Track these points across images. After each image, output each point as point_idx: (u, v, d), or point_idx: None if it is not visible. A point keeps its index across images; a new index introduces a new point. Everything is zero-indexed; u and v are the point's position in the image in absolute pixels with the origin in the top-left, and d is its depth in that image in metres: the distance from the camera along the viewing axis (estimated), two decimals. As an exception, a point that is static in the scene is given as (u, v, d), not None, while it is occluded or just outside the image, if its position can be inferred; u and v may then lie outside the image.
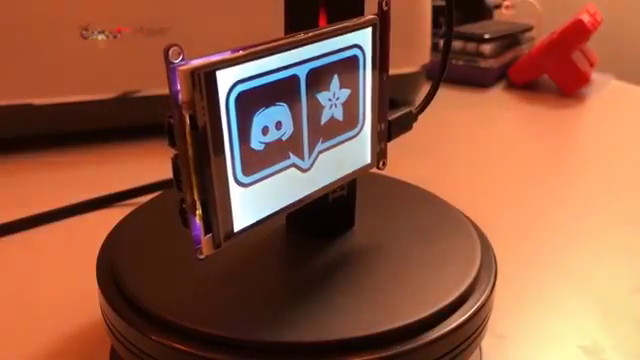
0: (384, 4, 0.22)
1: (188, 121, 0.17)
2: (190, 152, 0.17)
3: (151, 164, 0.44)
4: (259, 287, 0.22)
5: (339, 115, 0.22)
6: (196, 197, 0.18)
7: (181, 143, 0.17)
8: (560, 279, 0.32)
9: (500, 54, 0.69)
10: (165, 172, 0.40)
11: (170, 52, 0.16)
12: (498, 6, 0.84)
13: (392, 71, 0.23)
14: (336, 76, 0.21)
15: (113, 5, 0.44)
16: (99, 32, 0.44)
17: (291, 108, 0.20)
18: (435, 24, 0.69)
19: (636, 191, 0.43)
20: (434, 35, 0.63)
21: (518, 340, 0.27)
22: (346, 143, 0.22)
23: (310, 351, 0.19)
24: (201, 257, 0.18)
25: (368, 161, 0.24)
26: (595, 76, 0.69)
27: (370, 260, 0.23)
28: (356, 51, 0.22)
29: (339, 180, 0.23)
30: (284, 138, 0.20)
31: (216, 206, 0.18)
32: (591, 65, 0.67)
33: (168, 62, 0.16)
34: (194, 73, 0.16)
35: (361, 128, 0.23)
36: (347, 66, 0.21)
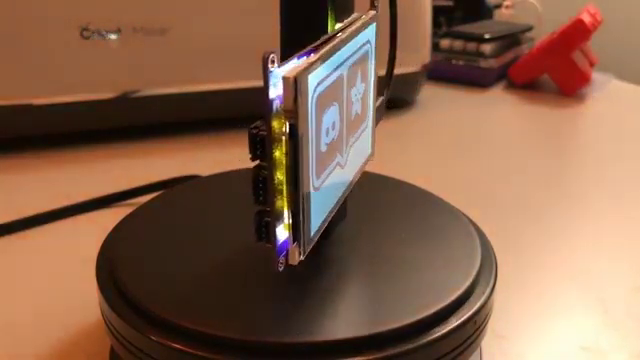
0: (376, 0, 0.23)
1: (288, 129, 0.16)
2: (285, 161, 0.17)
3: (151, 164, 0.44)
4: (258, 287, 0.22)
5: (359, 109, 0.22)
6: (286, 207, 0.17)
7: (273, 153, 0.16)
8: (560, 279, 0.32)
9: (500, 54, 0.69)
10: (165, 172, 0.40)
11: (269, 59, 0.15)
12: (498, 6, 0.84)
13: (392, 71, 0.24)
14: (359, 72, 0.22)
15: (113, 5, 0.44)
16: (99, 32, 0.44)
17: (339, 107, 0.20)
18: (435, 24, 0.69)
19: (636, 191, 0.43)
20: (434, 35, 0.63)
21: (518, 340, 0.27)
22: (361, 136, 0.23)
23: (310, 351, 0.19)
24: (282, 268, 0.18)
25: (369, 151, 0.24)
26: (595, 76, 0.69)
27: (370, 260, 0.23)
28: (368, 46, 0.22)
29: (357, 173, 0.23)
30: (335, 138, 0.20)
31: (304, 213, 0.18)
32: (591, 65, 0.67)
33: (267, 70, 0.16)
34: (297, 80, 0.16)
35: (368, 120, 0.23)
36: (363, 61, 0.22)
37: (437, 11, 0.75)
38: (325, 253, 0.24)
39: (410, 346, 0.19)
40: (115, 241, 0.24)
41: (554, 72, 0.65)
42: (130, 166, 0.44)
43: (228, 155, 0.47)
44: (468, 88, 0.67)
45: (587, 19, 0.62)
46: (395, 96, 0.56)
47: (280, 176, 0.17)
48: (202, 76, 0.48)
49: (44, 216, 0.36)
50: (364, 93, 0.23)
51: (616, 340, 0.27)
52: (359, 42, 0.21)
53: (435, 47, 0.68)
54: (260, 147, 0.17)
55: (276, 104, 0.16)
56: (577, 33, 0.62)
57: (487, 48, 0.67)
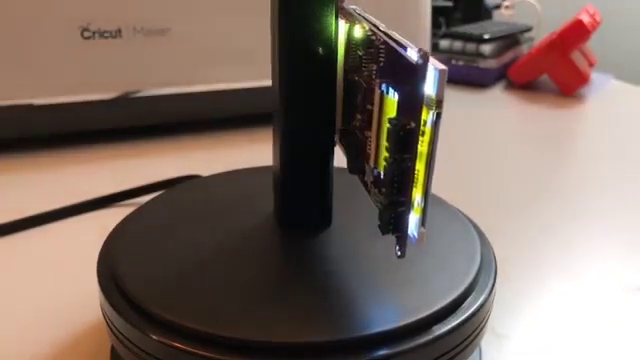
0: None
1: (434, 118, 0.17)
2: (427, 149, 0.17)
3: (151, 164, 0.44)
4: (258, 287, 0.22)
5: None
6: (420, 193, 0.18)
7: (419, 144, 0.17)
8: (560, 279, 0.32)
9: (500, 54, 0.69)
10: (165, 172, 0.40)
11: (424, 54, 0.16)
12: (498, 6, 0.84)
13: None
14: None
15: (114, 5, 0.44)
16: (100, 32, 0.44)
17: None
18: (435, 24, 0.69)
19: (636, 191, 0.43)
20: (434, 35, 0.63)
21: (518, 340, 0.27)
22: None
23: (310, 351, 0.19)
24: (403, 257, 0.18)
25: None
26: (595, 76, 0.69)
27: (369, 259, 0.23)
28: None
29: None
30: None
31: (430, 195, 0.18)
32: (591, 65, 0.67)
33: (425, 64, 0.16)
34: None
35: None
36: None
37: (437, 11, 0.75)
38: (324, 253, 0.24)
39: (410, 345, 0.19)
40: (116, 241, 0.24)
41: (553, 72, 0.65)
42: (130, 166, 0.44)
43: (228, 155, 0.47)
44: (468, 88, 0.67)
45: (586, 19, 0.62)
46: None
47: (420, 165, 0.17)
48: (202, 76, 0.48)
49: (44, 216, 0.36)
50: None
51: (616, 340, 0.27)
52: None
53: (435, 47, 0.68)
54: (403, 141, 0.17)
55: (425, 96, 0.17)
56: (576, 33, 0.62)
57: (487, 48, 0.67)
